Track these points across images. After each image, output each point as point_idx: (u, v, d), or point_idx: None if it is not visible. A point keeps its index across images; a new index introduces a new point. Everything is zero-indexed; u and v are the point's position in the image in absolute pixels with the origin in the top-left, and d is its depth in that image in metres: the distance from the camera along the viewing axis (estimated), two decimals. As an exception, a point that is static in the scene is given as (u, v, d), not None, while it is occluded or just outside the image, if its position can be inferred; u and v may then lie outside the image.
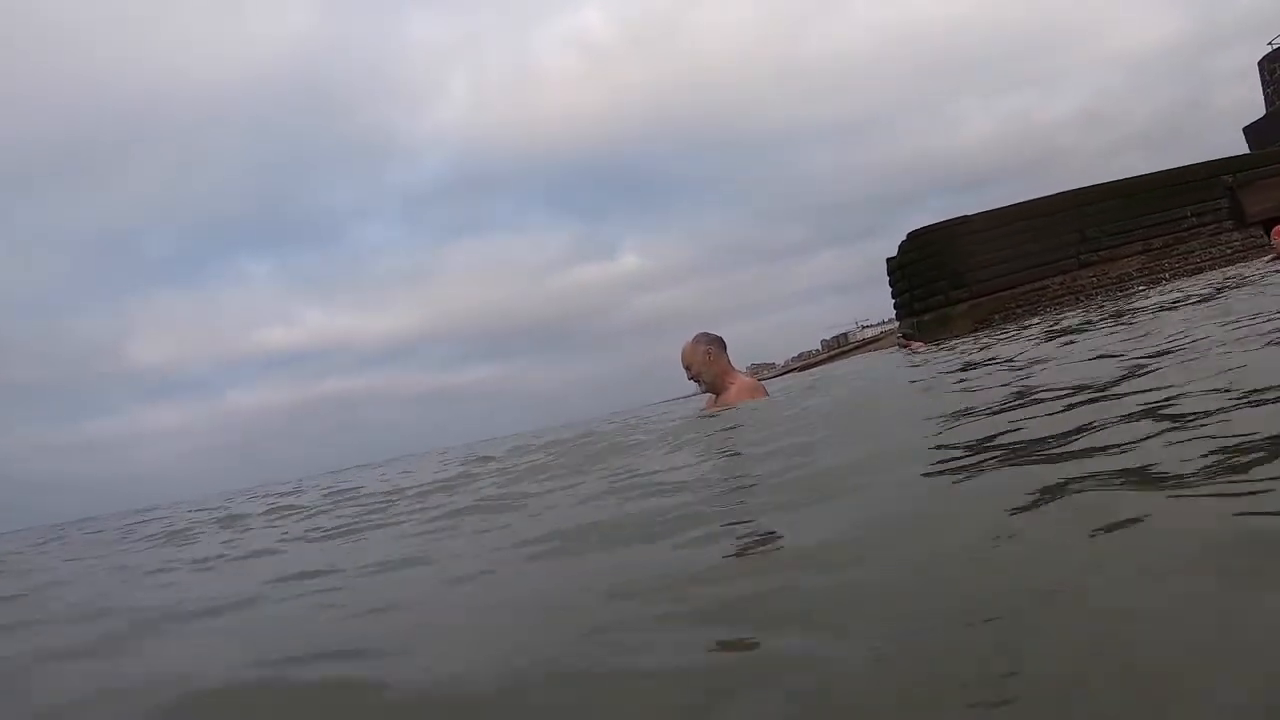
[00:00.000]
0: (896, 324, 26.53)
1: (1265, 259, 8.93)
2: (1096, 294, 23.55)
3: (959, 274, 22.97)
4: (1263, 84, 27.74)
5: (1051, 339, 5.72)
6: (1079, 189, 24.36)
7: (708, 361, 4.41)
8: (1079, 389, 2.18)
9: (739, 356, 4.73)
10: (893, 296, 24.21)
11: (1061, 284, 23.82)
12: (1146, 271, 24.32)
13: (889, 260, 24.09)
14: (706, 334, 4.49)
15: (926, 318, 23.29)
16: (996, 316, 22.96)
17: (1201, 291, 6.91)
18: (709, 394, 4.56)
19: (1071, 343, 4.95)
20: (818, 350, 73.68)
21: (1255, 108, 28.58)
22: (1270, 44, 27.45)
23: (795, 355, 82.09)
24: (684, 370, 4.46)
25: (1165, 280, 23.50)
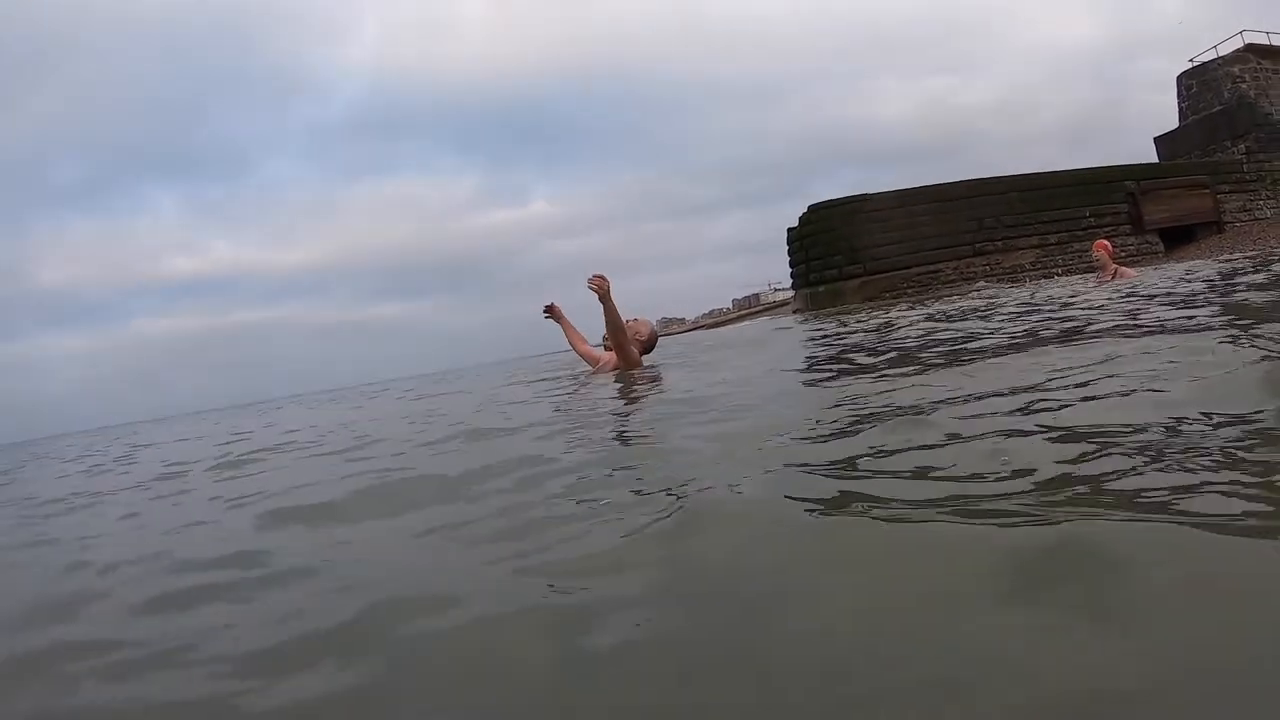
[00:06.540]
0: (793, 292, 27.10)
1: (1096, 278, 9.14)
2: (989, 282, 24.32)
3: (855, 250, 23.53)
4: (1178, 98, 28.43)
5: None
6: (982, 179, 24.95)
7: (645, 344, 5.45)
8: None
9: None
10: (790, 265, 24.76)
11: (955, 269, 24.48)
12: (1039, 265, 25.09)
13: (789, 230, 24.57)
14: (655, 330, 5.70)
15: (820, 289, 23.89)
16: (887, 295, 23.63)
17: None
18: (608, 354, 5.52)
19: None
20: (728, 309, 74.40)
21: (1168, 116, 29.35)
22: (1190, 60, 28.08)
23: (706, 312, 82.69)
24: (634, 330, 5.43)
25: (1058, 274, 24.35)
